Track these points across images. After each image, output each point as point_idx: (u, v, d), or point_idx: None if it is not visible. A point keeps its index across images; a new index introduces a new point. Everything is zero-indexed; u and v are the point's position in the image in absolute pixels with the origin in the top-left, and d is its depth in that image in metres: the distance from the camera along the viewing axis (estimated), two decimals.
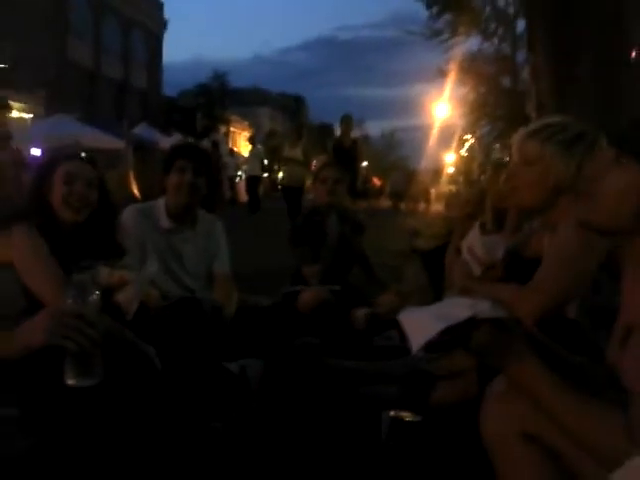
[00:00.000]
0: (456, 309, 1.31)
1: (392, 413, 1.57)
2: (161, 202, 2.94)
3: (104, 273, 1.93)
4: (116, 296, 1.92)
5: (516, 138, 1.98)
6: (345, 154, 8.78)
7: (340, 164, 7.83)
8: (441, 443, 1.70)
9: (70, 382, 1.39)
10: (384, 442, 1.55)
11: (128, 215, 2.86)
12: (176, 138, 18.83)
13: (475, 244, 2.61)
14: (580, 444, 1.19)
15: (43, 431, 1.61)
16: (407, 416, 1.56)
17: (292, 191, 10.29)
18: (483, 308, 1.30)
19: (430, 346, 1.29)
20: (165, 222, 2.89)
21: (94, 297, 1.42)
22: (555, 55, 4.66)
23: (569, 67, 4.50)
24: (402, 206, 22.88)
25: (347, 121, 9.86)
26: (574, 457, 1.23)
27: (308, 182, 8.86)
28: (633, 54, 4.97)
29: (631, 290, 1.29)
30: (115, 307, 1.90)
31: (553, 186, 1.88)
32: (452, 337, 1.28)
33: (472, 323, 1.26)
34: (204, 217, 3.03)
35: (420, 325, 1.30)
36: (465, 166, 39.71)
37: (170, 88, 41.29)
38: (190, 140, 18.17)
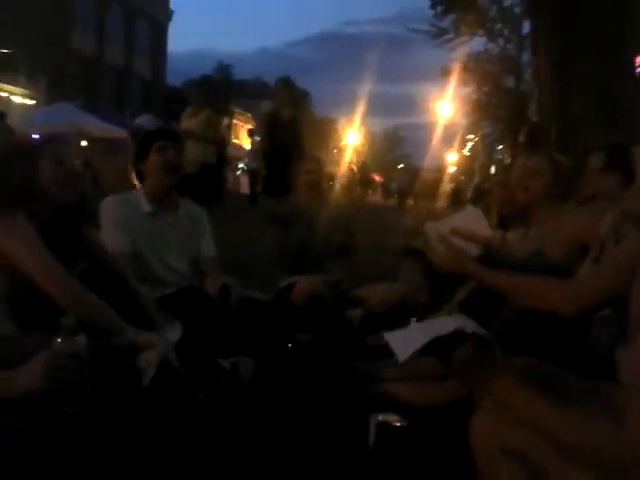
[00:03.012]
0: (440, 325, 1.34)
1: (380, 417, 1.56)
2: (139, 191, 2.95)
3: (130, 333, 1.92)
4: (138, 357, 1.88)
5: None
6: (282, 130, 6.60)
7: (273, 142, 6.49)
8: (429, 449, 1.70)
9: (66, 411, 1.52)
10: (371, 447, 1.55)
11: (108, 204, 2.87)
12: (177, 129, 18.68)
13: (475, 222, 2.56)
14: (566, 454, 1.18)
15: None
16: (395, 420, 1.56)
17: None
18: (467, 324, 1.32)
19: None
20: (146, 207, 2.90)
21: (81, 337, 1.54)
22: (557, 57, 4.65)
23: (570, 70, 4.49)
24: (408, 203, 22.87)
25: (284, 85, 6.93)
26: (559, 475, 1.23)
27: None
28: (638, 61, 4.95)
29: None
30: (133, 367, 1.87)
31: None
32: (436, 351, 1.30)
33: (457, 337, 1.27)
34: (186, 203, 3.06)
35: (406, 340, 1.34)
36: (467, 166, 39.78)
37: (174, 78, 41.23)
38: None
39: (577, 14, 4.50)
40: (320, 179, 3.90)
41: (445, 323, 1.34)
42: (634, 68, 5.02)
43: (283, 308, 3.22)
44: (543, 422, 1.21)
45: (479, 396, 1.38)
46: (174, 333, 2.09)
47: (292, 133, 6.45)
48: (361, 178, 28.27)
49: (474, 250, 2.39)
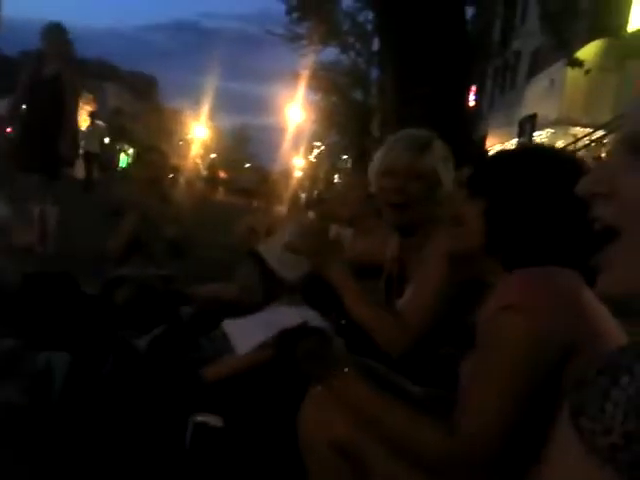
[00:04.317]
0: (284, 317, 1.31)
1: (198, 418, 1.51)
2: None
3: None
4: None
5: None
6: (42, 88, 5.01)
7: (34, 106, 4.95)
8: (249, 449, 1.68)
9: None
10: (188, 449, 1.50)
11: None
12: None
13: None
14: (400, 451, 1.19)
15: None
16: (212, 421, 1.51)
17: None
18: (312, 317, 1.31)
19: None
20: None
21: None
22: (400, 78, 4.89)
23: (410, 91, 4.74)
24: (254, 204, 22.84)
25: (50, 32, 5.18)
26: (387, 476, 1.24)
27: None
28: (472, 90, 5.36)
29: None
30: None
31: None
32: (279, 344, 1.27)
33: (302, 331, 1.26)
34: None
35: (247, 332, 1.29)
36: (312, 172, 40.85)
37: (10, 47, 37.84)
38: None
39: (419, 39, 4.75)
40: (162, 174, 3.77)
41: (289, 315, 1.31)
42: (467, 98, 5.43)
43: (109, 301, 3.06)
44: (377, 421, 1.21)
45: (312, 389, 1.37)
46: None
47: (54, 93, 5.01)
48: (208, 174, 27.92)
49: (305, 264, 2.43)
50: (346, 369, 1.28)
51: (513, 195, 1.23)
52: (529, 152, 1.36)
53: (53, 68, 5.09)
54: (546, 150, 1.36)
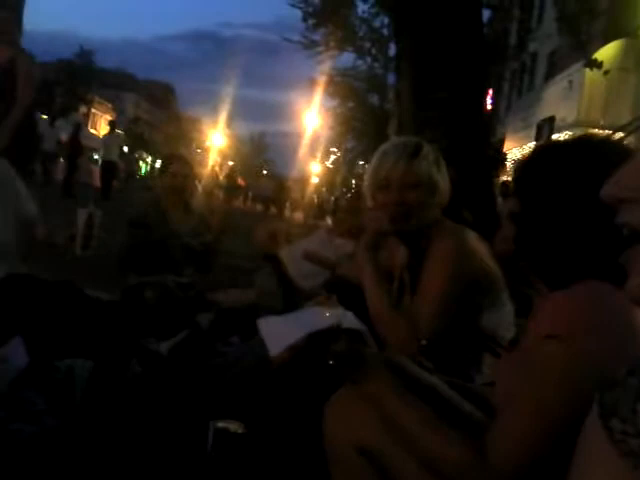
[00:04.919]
0: (318, 317, 1.30)
1: (219, 425, 1.52)
2: None
3: None
4: None
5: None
6: None
7: None
8: (269, 456, 1.69)
9: None
10: (209, 454, 1.51)
11: None
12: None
13: (322, 246, 2.64)
14: (425, 462, 1.16)
15: None
16: (232, 427, 1.52)
17: None
18: (345, 318, 1.30)
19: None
20: None
21: None
22: (417, 83, 4.88)
23: (427, 96, 4.73)
24: (272, 211, 22.94)
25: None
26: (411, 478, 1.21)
27: None
28: (489, 94, 5.34)
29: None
30: None
31: None
32: (313, 345, 1.26)
33: (334, 332, 1.24)
34: None
35: (280, 331, 1.29)
36: (329, 178, 40.83)
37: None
38: (45, 118, 16.95)
39: (435, 44, 4.74)
40: (186, 183, 3.74)
41: (322, 316, 1.30)
42: (485, 101, 5.41)
43: (129, 308, 3.09)
44: (404, 430, 1.18)
45: (341, 390, 1.34)
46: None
47: (6, 85, 4.58)
48: (228, 182, 28.07)
49: (323, 273, 2.46)
50: (378, 372, 1.26)
51: (548, 198, 1.12)
52: (570, 149, 1.17)
53: (5, 58, 4.70)
54: (595, 146, 1.16)
